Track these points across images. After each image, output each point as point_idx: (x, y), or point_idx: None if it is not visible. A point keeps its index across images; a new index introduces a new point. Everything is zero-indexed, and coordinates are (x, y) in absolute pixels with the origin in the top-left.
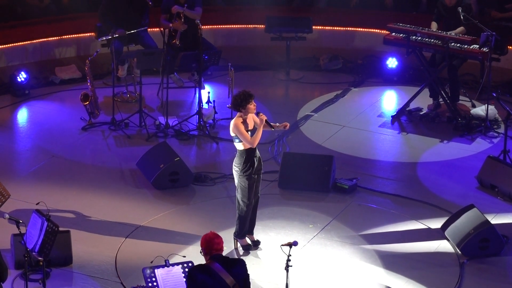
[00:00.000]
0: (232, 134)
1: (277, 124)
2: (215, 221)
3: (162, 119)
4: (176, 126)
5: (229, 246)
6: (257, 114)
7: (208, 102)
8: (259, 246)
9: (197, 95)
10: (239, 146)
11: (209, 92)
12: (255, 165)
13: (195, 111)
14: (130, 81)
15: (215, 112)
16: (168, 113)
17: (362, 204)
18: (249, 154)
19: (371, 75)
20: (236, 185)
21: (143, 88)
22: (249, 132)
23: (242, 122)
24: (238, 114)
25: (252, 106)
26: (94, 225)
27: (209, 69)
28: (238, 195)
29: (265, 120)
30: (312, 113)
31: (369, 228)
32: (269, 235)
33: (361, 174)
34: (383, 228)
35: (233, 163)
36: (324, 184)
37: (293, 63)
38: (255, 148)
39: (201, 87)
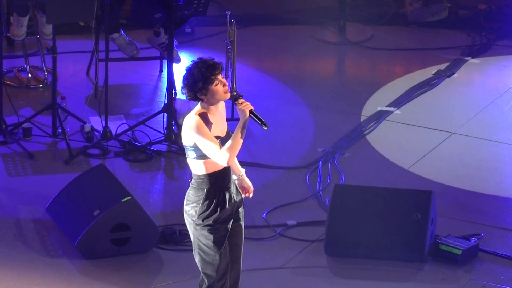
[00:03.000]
0: (184, 143)
1: (244, 182)
2: None
3: (97, 121)
4: (125, 135)
5: None
6: (235, 100)
7: None
8: None
9: (164, 73)
10: (197, 165)
11: None
12: (227, 204)
13: (162, 105)
14: (33, 48)
15: None
16: (108, 110)
17: (489, 285)
18: (215, 181)
19: (504, 33)
20: (192, 242)
21: (60, 61)
22: (219, 141)
23: (202, 123)
24: (198, 106)
25: (220, 87)
26: None
27: (188, 23)
28: (198, 263)
29: (251, 111)
30: (391, 109)
31: None
32: None
33: (486, 226)
34: None
35: (185, 199)
36: (415, 247)
37: (351, 11)
38: (229, 168)
39: (172, 59)
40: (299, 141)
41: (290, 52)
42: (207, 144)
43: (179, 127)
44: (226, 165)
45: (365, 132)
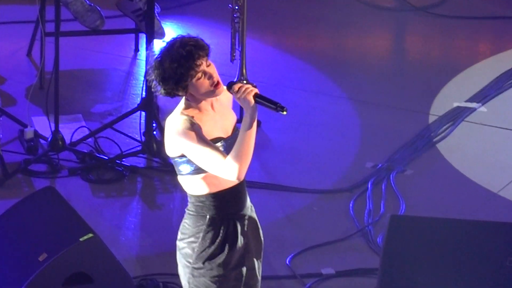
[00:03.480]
0: (170, 154)
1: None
2: None
3: (43, 124)
4: (84, 143)
5: None
6: (229, 87)
7: None
8: None
9: (142, 53)
10: (194, 183)
11: None
12: (239, 239)
13: (139, 100)
14: None
15: None
16: (60, 108)
17: None
18: (221, 205)
19: None
20: None
21: None
22: (221, 144)
23: (191, 126)
24: (181, 104)
25: (204, 81)
26: None
27: None
28: None
29: (256, 95)
30: (473, 104)
31: None
32: None
33: None
34: None
35: (179, 231)
36: None
37: None
38: (242, 186)
39: (153, 32)
40: (339, 152)
41: (326, 23)
42: (203, 153)
43: (163, 132)
44: (236, 181)
45: (436, 139)
